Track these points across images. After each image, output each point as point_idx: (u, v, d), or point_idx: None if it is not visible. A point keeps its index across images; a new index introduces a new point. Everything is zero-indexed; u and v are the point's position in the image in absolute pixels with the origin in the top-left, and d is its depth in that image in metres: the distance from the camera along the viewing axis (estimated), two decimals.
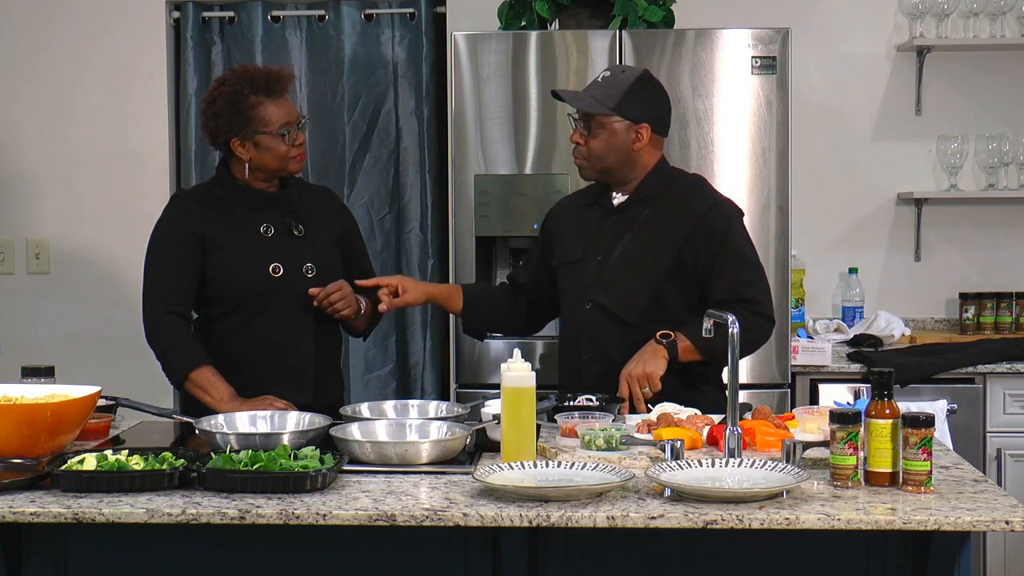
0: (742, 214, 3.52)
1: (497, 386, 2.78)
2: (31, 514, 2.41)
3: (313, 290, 3.40)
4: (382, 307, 3.49)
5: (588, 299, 3.43)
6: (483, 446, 2.87)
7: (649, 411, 3.12)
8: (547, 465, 2.61)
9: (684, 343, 3.29)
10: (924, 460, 2.48)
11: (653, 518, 2.35)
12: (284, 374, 3.42)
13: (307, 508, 2.39)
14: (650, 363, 3.25)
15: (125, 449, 2.68)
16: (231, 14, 5.21)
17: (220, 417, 2.97)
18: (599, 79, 3.43)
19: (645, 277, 3.38)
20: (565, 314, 3.57)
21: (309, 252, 3.47)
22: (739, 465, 2.60)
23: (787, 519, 2.33)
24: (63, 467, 2.55)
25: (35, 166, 5.24)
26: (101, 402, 2.98)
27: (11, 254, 5.26)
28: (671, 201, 3.43)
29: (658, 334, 3.30)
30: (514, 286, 3.70)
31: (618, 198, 3.47)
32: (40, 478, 2.55)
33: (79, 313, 5.22)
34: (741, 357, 3.34)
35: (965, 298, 4.98)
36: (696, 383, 3.39)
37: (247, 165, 3.42)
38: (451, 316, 4.47)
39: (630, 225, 3.43)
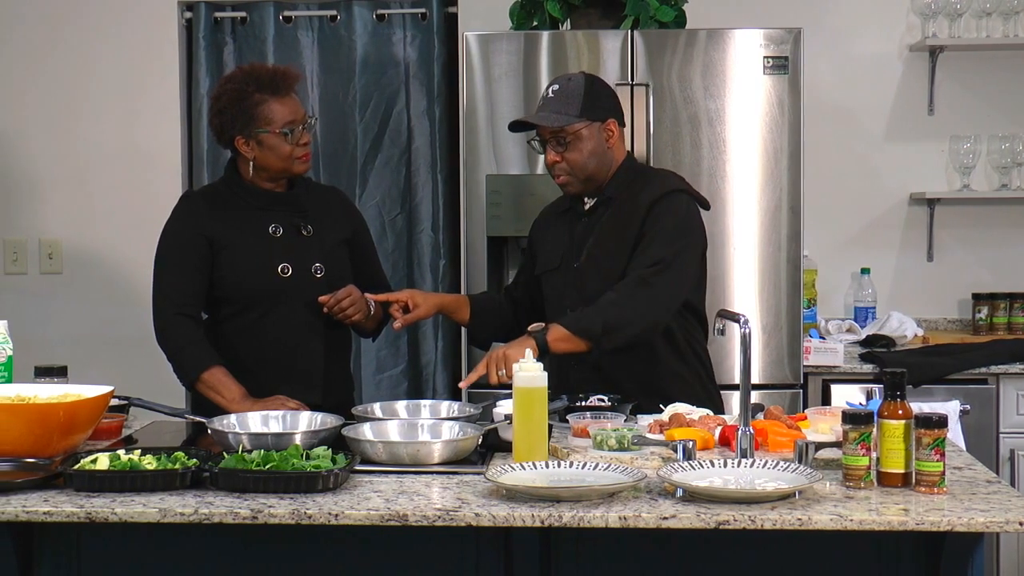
0: (697, 205, 3.42)
1: (509, 386, 2.78)
2: (44, 513, 2.41)
3: (323, 298, 3.39)
4: (396, 325, 3.47)
5: (565, 306, 3.40)
6: (495, 446, 2.87)
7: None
8: (559, 465, 2.61)
9: (557, 332, 3.20)
10: (937, 461, 2.48)
11: (665, 518, 2.35)
12: (293, 374, 3.42)
13: (319, 508, 2.40)
14: (512, 348, 3.16)
15: (138, 449, 2.69)
16: (243, 14, 5.22)
17: (232, 417, 2.98)
18: (549, 95, 3.39)
19: (611, 278, 3.33)
20: (549, 323, 3.57)
21: (318, 252, 3.47)
22: (751, 465, 2.59)
23: (799, 520, 2.33)
24: (76, 467, 2.56)
25: (48, 166, 5.26)
26: (114, 402, 2.99)
27: (24, 254, 5.28)
28: (629, 198, 3.38)
29: (530, 327, 3.26)
30: (510, 297, 3.69)
31: (588, 203, 3.45)
32: (53, 477, 2.55)
33: (92, 313, 5.23)
34: (630, 333, 3.24)
35: (978, 298, 4.97)
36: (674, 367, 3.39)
37: (252, 164, 3.42)
38: None
39: (594, 228, 3.42)
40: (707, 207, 3.47)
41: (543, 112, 3.38)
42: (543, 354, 3.14)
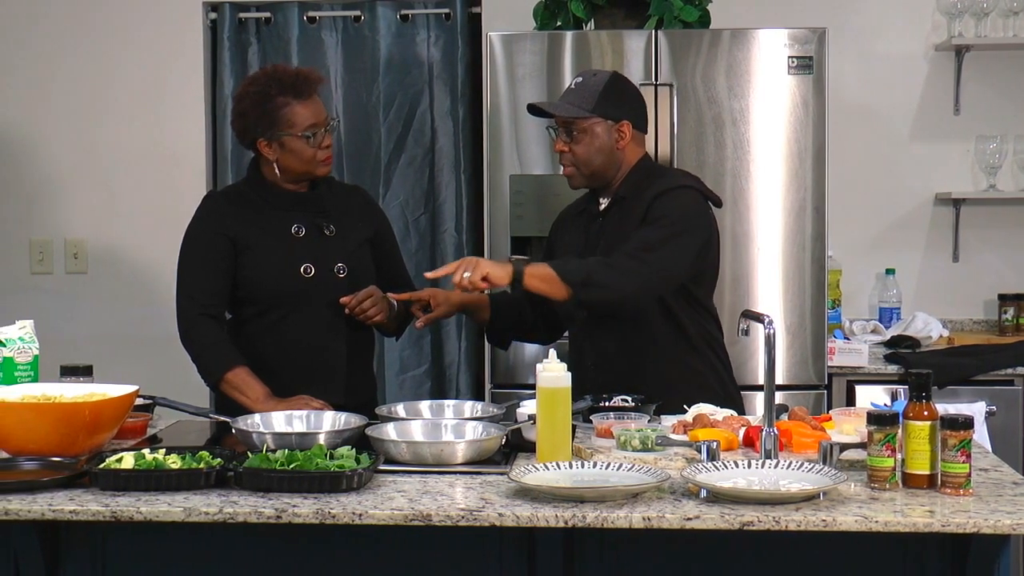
0: (706, 203, 3.39)
1: (532, 387, 2.78)
2: (70, 512, 2.42)
3: (344, 299, 3.40)
4: (418, 324, 3.48)
5: (582, 307, 3.37)
6: (518, 446, 2.86)
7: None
8: (582, 466, 2.61)
9: (538, 269, 3.16)
10: (963, 462, 2.46)
11: (689, 519, 2.34)
12: (316, 374, 3.42)
13: (343, 508, 2.40)
14: (488, 263, 3.15)
15: (162, 448, 2.70)
16: (267, 15, 5.23)
17: (256, 417, 2.98)
18: (572, 86, 3.41)
19: None
20: (565, 323, 3.57)
21: (340, 252, 3.47)
22: (775, 466, 2.58)
23: (824, 521, 2.32)
24: (101, 466, 2.57)
25: (73, 167, 5.28)
26: (138, 401, 3.00)
27: (50, 254, 5.30)
28: (639, 198, 3.36)
29: (512, 256, 3.23)
30: (530, 298, 3.67)
31: (603, 203, 3.44)
32: (78, 476, 2.57)
33: (117, 312, 5.26)
34: (605, 296, 3.19)
35: (1004, 299, 4.94)
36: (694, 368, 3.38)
37: (275, 165, 3.42)
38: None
39: (606, 228, 3.41)
40: (719, 204, 3.45)
41: (561, 101, 3.39)
42: (516, 282, 3.13)
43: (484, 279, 3.11)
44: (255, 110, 3.38)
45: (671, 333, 3.36)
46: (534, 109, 3.47)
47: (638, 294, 3.24)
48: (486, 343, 4.49)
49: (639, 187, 3.38)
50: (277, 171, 3.43)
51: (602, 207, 3.45)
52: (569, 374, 2.70)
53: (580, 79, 3.42)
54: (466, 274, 3.10)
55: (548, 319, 3.63)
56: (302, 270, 3.41)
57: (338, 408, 3.14)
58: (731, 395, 3.44)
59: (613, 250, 3.27)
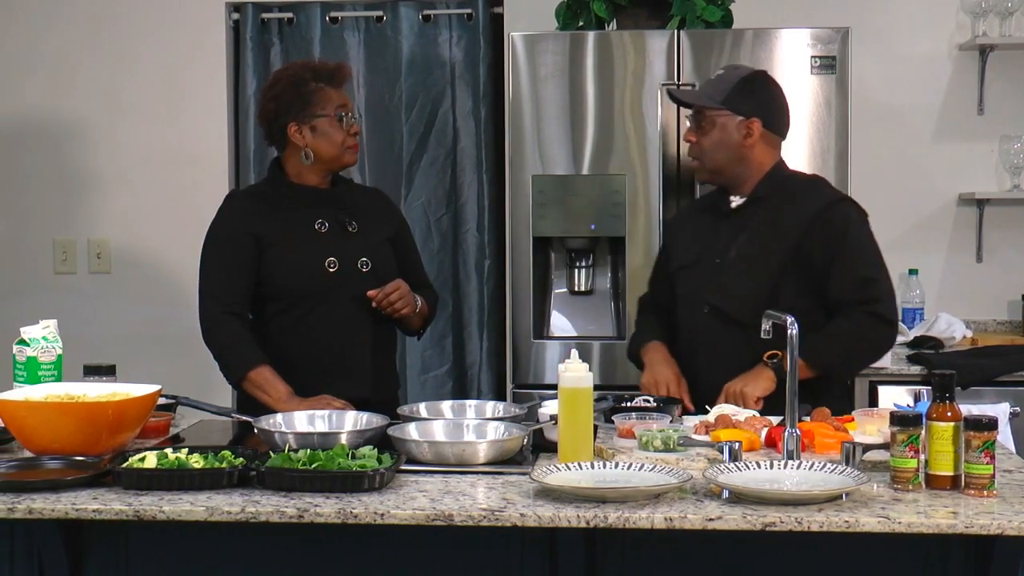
0: (865, 215, 3.44)
1: (554, 387, 2.77)
2: (93, 511, 2.43)
3: (371, 292, 3.41)
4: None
5: (704, 303, 3.38)
6: (540, 447, 2.86)
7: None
8: (604, 466, 2.61)
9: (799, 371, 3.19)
10: (987, 463, 2.45)
11: (711, 520, 2.34)
12: (341, 370, 3.44)
13: (365, 507, 2.40)
14: (750, 384, 3.20)
15: (185, 447, 2.71)
16: (290, 15, 5.24)
17: (279, 416, 2.99)
18: (712, 76, 3.42)
19: (760, 278, 3.32)
20: (681, 320, 3.51)
21: (363, 247, 3.48)
22: (798, 467, 2.58)
23: (847, 522, 2.31)
24: (124, 465, 2.58)
25: (96, 167, 5.31)
26: (161, 401, 3.01)
27: (73, 254, 5.33)
28: (787, 200, 3.34)
29: (765, 355, 3.23)
30: (662, 308, 3.63)
31: (735, 201, 3.42)
32: (102, 475, 2.58)
33: (140, 312, 5.27)
34: (863, 366, 3.32)
35: None
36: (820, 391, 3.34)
37: (303, 154, 3.43)
38: (508, 316, 4.50)
39: (745, 226, 3.38)
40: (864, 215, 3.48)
41: (696, 90, 3.38)
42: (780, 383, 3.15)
43: (744, 397, 3.18)
44: (289, 92, 3.43)
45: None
46: (673, 97, 3.49)
47: (886, 351, 3.40)
48: (508, 343, 4.50)
49: (780, 191, 3.37)
50: (305, 158, 3.44)
51: (733, 205, 3.42)
52: (591, 374, 2.70)
53: (722, 71, 3.43)
54: (737, 404, 3.16)
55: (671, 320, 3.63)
56: (326, 264, 3.42)
57: (363, 403, 3.16)
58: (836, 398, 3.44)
59: (756, 255, 3.30)
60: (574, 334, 4.46)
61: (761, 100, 3.39)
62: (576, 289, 4.49)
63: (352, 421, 2.97)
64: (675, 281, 3.52)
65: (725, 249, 3.39)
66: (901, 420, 2.50)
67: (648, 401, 3.17)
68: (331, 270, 3.43)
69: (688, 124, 3.44)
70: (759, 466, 2.58)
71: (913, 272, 5.03)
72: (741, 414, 3.04)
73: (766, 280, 3.32)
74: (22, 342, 3.15)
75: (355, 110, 3.50)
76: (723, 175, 3.39)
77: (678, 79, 4.34)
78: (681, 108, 3.48)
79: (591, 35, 4.43)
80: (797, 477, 2.53)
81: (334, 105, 3.42)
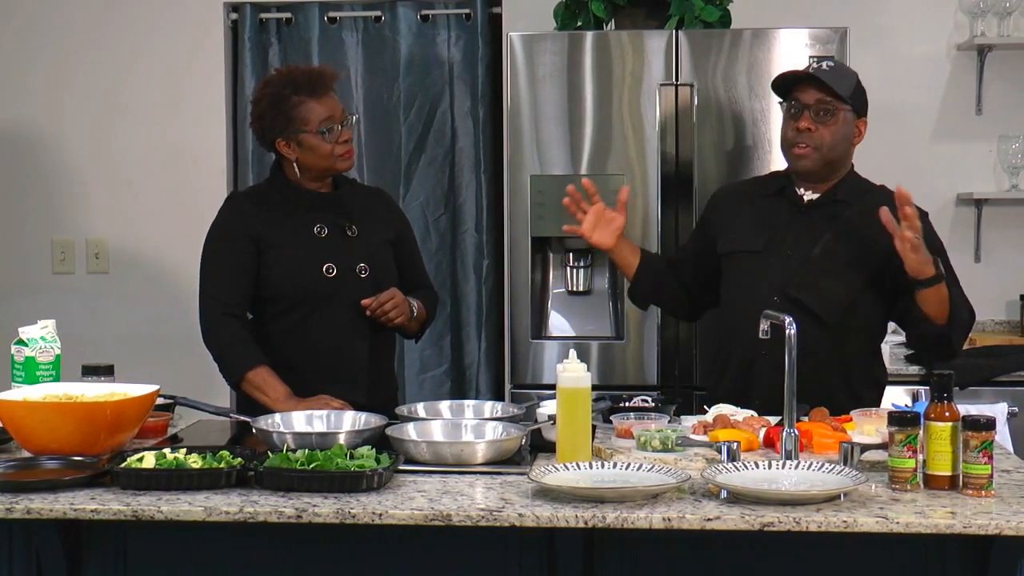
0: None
1: (552, 387, 2.78)
2: (91, 511, 2.43)
3: (365, 301, 3.40)
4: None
5: (779, 293, 3.29)
6: (538, 447, 2.86)
7: None
8: (602, 466, 2.61)
9: (941, 291, 3.15)
10: (985, 463, 2.45)
11: (709, 520, 2.34)
12: (338, 374, 3.43)
13: (363, 507, 2.40)
14: (923, 248, 3.11)
15: (183, 447, 2.71)
16: (288, 15, 5.25)
17: (277, 416, 2.99)
18: (824, 67, 3.33)
19: (848, 279, 3.29)
20: (732, 306, 3.44)
21: (362, 252, 3.48)
22: (796, 467, 2.58)
23: (845, 522, 2.31)
24: (122, 465, 2.58)
25: (95, 167, 5.31)
26: (160, 401, 3.01)
27: (71, 254, 5.33)
28: (874, 208, 3.22)
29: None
30: (677, 276, 3.59)
31: (808, 195, 3.37)
32: (100, 475, 2.57)
33: (138, 312, 5.28)
34: (965, 319, 3.27)
35: None
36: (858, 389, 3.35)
37: (295, 165, 3.44)
38: (506, 316, 4.50)
39: (830, 224, 3.33)
40: None
41: (833, 79, 3.29)
42: (931, 280, 3.14)
43: (912, 220, 3.08)
44: (271, 111, 3.41)
45: (864, 344, 3.38)
46: (794, 78, 3.34)
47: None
48: (506, 343, 4.51)
49: (863, 194, 3.35)
50: (298, 171, 3.44)
51: (806, 199, 3.37)
52: (589, 374, 2.70)
53: (832, 63, 3.38)
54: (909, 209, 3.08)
55: (693, 298, 3.60)
56: (324, 270, 3.42)
57: (359, 408, 3.15)
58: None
59: (844, 254, 3.28)
60: (572, 334, 4.47)
61: (866, 104, 3.38)
62: (574, 289, 4.49)
63: (350, 421, 2.97)
64: (727, 264, 3.45)
65: (802, 244, 3.33)
66: (899, 420, 2.50)
67: (646, 401, 3.17)
68: (329, 275, 3.42)
69: (792, 111, 3.33)
70: (757, 466, 2.58)
71: None
72: (739, 414, 3.04)
73: (854, 283, 3.29)
74: (20, 342, 3.15)
75: (346, 115, 3.44)
76: (831, 169, 3.34)
77: (676, 79, 4.34)
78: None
79: (589, 35, 4.43)
80: (795, 477, 2.53)
81: (317, 120, 3.38)
